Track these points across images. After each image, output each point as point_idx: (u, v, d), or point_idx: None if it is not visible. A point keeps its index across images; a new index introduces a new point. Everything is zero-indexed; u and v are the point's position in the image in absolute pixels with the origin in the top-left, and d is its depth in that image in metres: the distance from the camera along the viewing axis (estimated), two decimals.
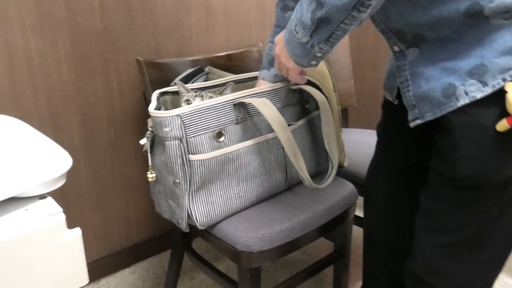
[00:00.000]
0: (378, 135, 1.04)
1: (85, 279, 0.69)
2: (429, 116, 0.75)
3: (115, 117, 1.38)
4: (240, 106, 1.01)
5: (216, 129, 0.96)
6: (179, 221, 1.00)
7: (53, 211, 0.65)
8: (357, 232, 1.37)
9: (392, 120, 0.98)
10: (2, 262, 0.59)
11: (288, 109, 1.11)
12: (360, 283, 1.49)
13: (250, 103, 1.01)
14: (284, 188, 1.15)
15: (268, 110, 0.99)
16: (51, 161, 0.74)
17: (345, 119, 1.70)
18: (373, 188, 1.06)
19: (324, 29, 0.73)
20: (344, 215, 1.16)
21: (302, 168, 0.99)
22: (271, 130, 1.02)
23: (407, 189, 0.98)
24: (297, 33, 0.78)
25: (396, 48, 0.80)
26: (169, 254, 1.37)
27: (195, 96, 1.02)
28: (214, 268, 1.20)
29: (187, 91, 1.05)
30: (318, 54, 0.79)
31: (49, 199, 0.70)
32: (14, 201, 0.66)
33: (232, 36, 1.60)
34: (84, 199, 1.39)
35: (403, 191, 0.99)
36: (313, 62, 0.83)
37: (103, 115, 1.35)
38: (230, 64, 1.37)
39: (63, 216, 0.65)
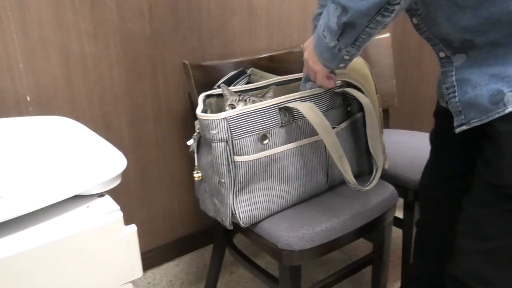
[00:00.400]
0: (431, 142, 1.03)
1: (140, 272, 0.74)
2: (475, 123, 0.75)
3: (161, 117, 1.43)
4: (286, 109, 1.02)
5: (261, 132, 0.99)
6: (223, 219, 1.04)
7: (112, 208, 0.70)
8: (396, 233, 1.37)
9: (443, 127, 0.97)
10: (67, 255, 0.64)
11: (332, 112, 1.12)
12: (398, 284, 1.49)
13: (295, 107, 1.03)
14: (325, 189, 1.16)
15: (313, 114, 1.00)
16: (109, 162, 0.79)
17: (386, 119, 1.68)
18: (427, 194, 1.06)
19: (350, 33, 0.75)
20: (384, 216, 1.16)
21: (347, 171, 1.00)
22: (315, 133, 1.03)
23: (459, 196, 0.96)
24: (325, 37, 0.81)
25: (442, 55, 0.79)
26: (210, 249, 1.41)
27: (239, 100, 1.05)
28: (254, 264, 1.23)
29: (231, 94, 1.09)
30: (346, 57, 0.82)
31: (107, 197, 0.75)
32: (76, 198, 0.72)
33: (274, 37, 1.63)
34: (132, 195, 1.45)
35: (455, 197, 0.97)
36: (341, 65, 0.86)
37: (150, 116, 1.41)
38: (273, 65, 1.40)
39: (121, 214, 0.70)
